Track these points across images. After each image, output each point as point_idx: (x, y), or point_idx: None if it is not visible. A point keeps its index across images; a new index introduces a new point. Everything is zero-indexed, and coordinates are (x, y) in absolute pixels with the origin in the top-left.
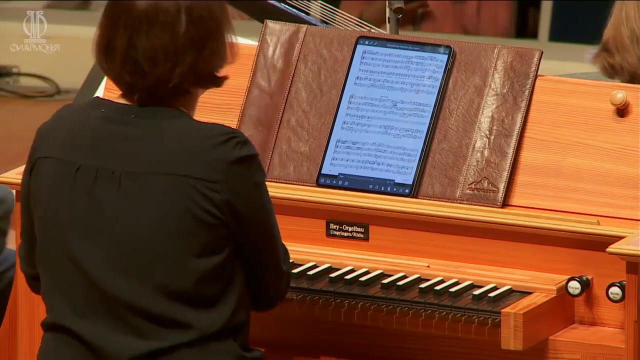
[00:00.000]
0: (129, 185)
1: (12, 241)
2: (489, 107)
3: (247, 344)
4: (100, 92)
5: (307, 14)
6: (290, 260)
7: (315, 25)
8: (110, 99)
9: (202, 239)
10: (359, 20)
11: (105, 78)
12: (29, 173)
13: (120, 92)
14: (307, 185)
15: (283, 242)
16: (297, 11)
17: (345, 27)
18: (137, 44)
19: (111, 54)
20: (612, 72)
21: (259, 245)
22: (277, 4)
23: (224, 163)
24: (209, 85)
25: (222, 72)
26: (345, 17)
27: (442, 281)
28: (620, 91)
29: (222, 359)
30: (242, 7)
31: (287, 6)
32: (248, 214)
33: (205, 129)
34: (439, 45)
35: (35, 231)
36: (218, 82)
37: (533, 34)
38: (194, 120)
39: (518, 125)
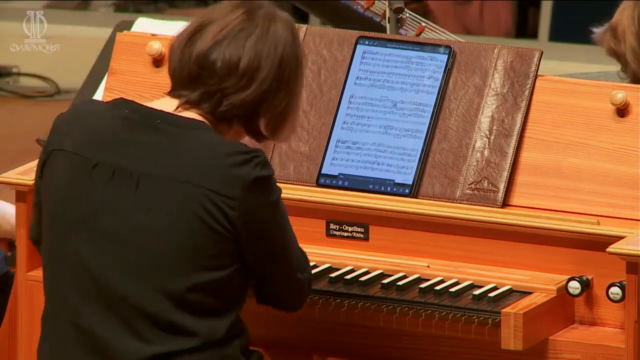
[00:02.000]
0: (146, 187)
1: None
2: (489, 107)
3: (248, 347)
4: (100, 92)
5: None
6: None
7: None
8: (135, 102)
9: (210, 251)
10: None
11: (105, 78)
12: (41, 166)
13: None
14: (307, 185)
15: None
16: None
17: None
18: (225, 45)
19: (193, 44)
20: (615, 56)
21: (273, 260)
22: (349, 3)
23: (243, 181)
24: (252, 132)
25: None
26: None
27: (442, 281)
28: (620, 91)
29: None
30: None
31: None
32: (261, 231)
33: (229, 145)
34: (439, 45)
35: (43, 226)
36: (261, 136)
37: (533, 34)
38: (219, 136)
39: (518, 125)
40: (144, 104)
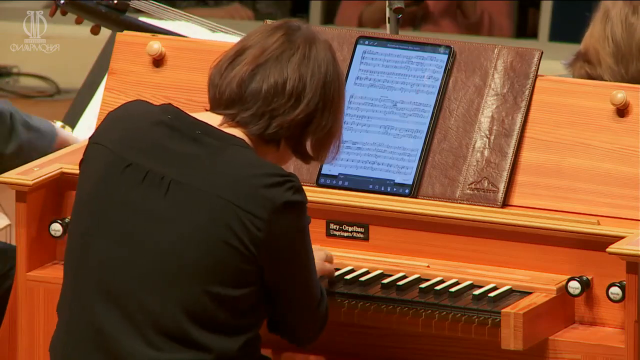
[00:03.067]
0: (176, 195)
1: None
2: (489, 107)
3: (259, 355)
4: (100, 92)
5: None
6: None
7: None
8: (180, 109)
9: (228, 267)
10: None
11: (105, 78)
12: (83, 155)
13: (125, 98)
14: (307, 185)
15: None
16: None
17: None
18: (269, 69)
19: (234, 67)
20: None
21: (292, 287)
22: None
23: (273, 203)
24: (299, 153)
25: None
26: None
27: (442, 281)
28: (620, 91)
29: None
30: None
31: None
32: (284, 257)
33: (265, 165)
34: (439, 45)
35: (71, 217)
36: (308, 157)
37: (533, 34)
38: (257, 155)
39: (518, 125)
40: (190, 113)
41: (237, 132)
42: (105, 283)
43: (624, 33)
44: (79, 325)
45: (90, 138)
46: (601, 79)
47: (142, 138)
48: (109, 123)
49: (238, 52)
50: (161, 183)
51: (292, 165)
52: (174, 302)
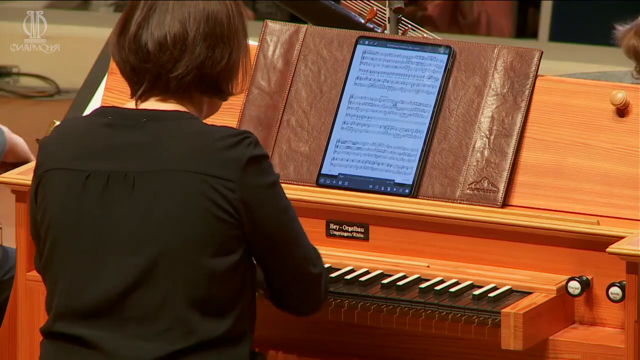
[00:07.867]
0: (143, 185)
1: (12, 240)
2: (489, 107)
3: (252, 350)
4: (100, 92)
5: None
6: None
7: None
8: (116, 106)
9: (216, 237)
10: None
11: (105, 78)
12: (34, 192)
13: (126, 98)
14: (307, 185)
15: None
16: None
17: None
18: (150, 25)
19: (125, 34)
20: (635, 56)
21: (279, 248)
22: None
23: (239, 162)
24: (211, 92)
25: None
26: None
27: (442, 281)
28: (620, 91)
29: None
30: (297, 9)
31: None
32: (263, 213)
33: (218, 130)
34: (439, 45)
35: (48, 249)
36: (222, 93)
37: (533, 34)
38: (204, 123)
39: (518, 125)
40: (124, 106)
41: (173, 105)
42: (104, 297)
43: None
44: (73, 347)
45: (35, 172)
46: None
47: (93, 145)
48: (51, 147)
49: (126, 21)
50: (126, 180)
51: (292, 165)
52: (171, 291)
